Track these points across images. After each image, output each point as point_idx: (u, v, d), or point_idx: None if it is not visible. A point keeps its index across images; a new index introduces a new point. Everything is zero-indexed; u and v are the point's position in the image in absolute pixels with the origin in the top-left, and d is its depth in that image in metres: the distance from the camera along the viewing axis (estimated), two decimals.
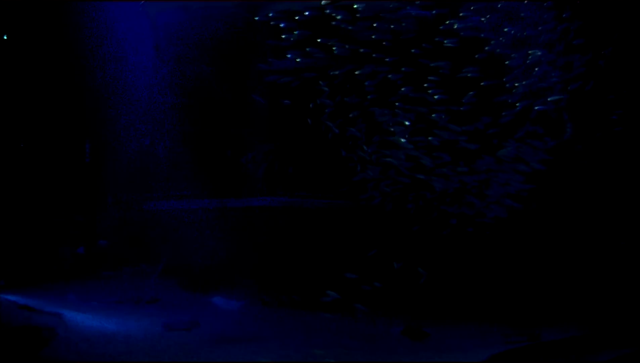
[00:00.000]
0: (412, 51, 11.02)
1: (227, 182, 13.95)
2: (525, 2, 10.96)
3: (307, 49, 11.23)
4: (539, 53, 10.84)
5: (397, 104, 11.27)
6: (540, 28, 10.93)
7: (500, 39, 10.95)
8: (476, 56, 10.93)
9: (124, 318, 10.51)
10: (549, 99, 10.89)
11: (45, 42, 14.08)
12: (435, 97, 11.05)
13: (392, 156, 11.29)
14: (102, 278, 13.44)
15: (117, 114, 13.93)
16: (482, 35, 10.96)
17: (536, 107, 10.89)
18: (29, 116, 14.38)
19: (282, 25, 11.36)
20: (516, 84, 10.96)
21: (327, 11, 11.00)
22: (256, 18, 11.13)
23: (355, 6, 11.01)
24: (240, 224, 13.14)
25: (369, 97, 11.45)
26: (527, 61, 10.90)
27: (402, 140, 11.06)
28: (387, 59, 11.18)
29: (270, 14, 11.34)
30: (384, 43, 11.18)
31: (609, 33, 11.04)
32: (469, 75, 10.88)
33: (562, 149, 11.43)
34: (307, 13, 11.07)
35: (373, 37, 11.13)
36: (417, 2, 10.91)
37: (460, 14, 10.93)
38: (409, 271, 11.49)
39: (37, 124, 14.53)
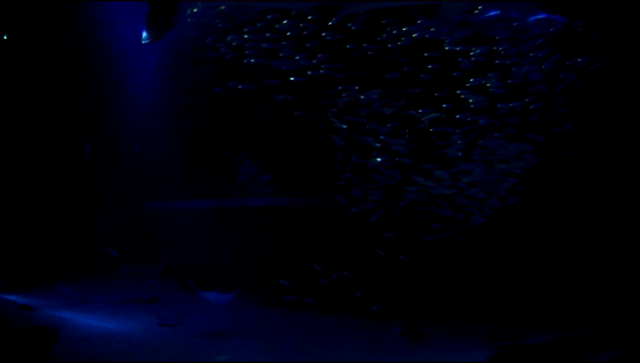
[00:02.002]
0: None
1: (224, 182, 13.98)
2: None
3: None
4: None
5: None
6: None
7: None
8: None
9: (124, 318, 10.52)
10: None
11: (45, 42, 14.10)
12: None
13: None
14: (102, 278, 13.45)
15: (118, 114, 13.94)
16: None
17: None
18: (30, 117, 14.40)
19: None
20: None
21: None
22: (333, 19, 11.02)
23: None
24: (239, 224, 13.15)
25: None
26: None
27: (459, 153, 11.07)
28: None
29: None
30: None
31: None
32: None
33: (554, 148, 11.47)
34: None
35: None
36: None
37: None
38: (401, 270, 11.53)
39: (37, 124, 14.55)
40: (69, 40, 13.72)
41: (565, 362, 8.42)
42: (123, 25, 13.18)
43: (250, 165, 13.69)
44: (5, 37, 14.19)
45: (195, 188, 13.95)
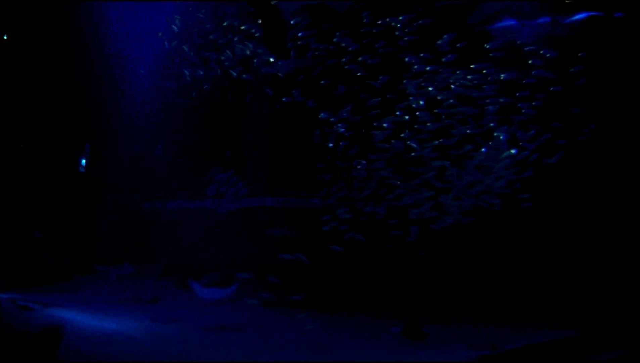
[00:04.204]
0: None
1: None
2: None
3: None
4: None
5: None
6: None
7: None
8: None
9: (124, 318, 10.52)
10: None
11: (45, 42, 14.11)
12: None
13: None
14: (102, 277, 13.45)
15: (118, 114, 13.94)
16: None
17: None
18: (29, 117, 14.40)
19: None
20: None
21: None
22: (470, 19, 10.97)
23: None
24: (237, 223, 13.16)
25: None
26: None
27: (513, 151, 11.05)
28: None
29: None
30: None
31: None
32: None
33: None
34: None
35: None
36: None
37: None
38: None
39: (37, 124, 14.55)
40: (68, 41, 13.73)
41: (566, 361, 8.44)
42: (124, 25, 13.20)
43: (229, 177, 13.52)
44: (5, 37, 14.19)
45: (195, 187, 13.95)
